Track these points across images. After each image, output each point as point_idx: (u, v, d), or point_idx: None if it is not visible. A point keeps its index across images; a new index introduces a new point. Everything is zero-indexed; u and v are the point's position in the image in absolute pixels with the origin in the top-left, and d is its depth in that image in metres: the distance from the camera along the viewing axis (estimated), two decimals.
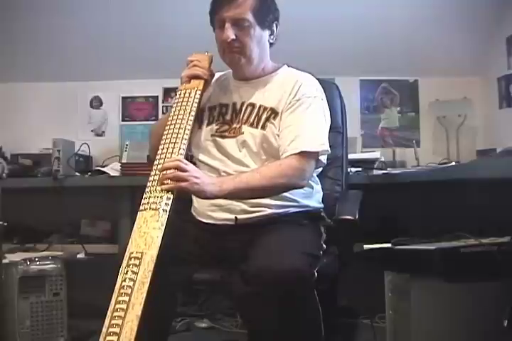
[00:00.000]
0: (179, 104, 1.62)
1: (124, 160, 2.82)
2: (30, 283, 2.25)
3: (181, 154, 1.48)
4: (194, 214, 1.75)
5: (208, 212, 1.68)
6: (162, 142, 1.52)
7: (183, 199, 1.63)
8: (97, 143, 3.12)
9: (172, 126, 1.55)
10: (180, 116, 1.57)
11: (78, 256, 2.68)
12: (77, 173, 2.82)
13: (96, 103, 3.23)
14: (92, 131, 3.22)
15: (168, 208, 1.35)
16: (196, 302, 2.82)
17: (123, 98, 3.22)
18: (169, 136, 1.52)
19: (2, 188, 2.11)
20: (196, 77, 1.69)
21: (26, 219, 2.79)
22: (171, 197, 1.37)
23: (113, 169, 2.78)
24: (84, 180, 2.79)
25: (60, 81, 3.14)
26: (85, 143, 3.00)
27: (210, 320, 2.72)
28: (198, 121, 1.75)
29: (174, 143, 1.50)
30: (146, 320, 1.14)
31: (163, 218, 1.32)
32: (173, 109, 1.61)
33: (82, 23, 2.97)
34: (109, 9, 2.93)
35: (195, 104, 1.62)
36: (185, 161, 1.46)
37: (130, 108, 3.22)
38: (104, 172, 2.77)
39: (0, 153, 2.93)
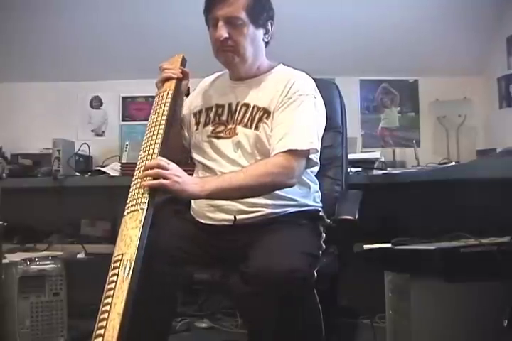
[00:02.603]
0: (154, 109, 1.63)
1: (124, 160, 2.82)
2: (30, 283, 2.25)
3: (155, 153, 1.47)
4: (192, 214, 1.75)
5: (206, 212, 1.68)
6: (142, 148, 1.52)
7: (183, 199, 1.63)
8: (97, 143, 3.13)
9: (148, 131, 1.56)
10: (154, 119, 1.58)
11: (78, 256, 2.68)
12: (77, 173, 2.82)
13: (96, 103, 3.23)
14: (92, 131, 3.22)
15: (145, 206, 1.34)
16: (196, 302, 2.82)
17: (123, 98, 3.22)
18: (146, 140, 1.53)
19: (2, 188, 2.11)
20: (167, 79, 1.69)
21: (26, 219, 2.80)
22: (148, 195, 1.37)
23: (113, 169, 2.78)
24: (84, 180, 2.79)
25: (60, 81, 3.14)
26: (85, 143, 3.00)
27: (210, 320, 2.72)
28: (196, 122, 1.76)
29: (149, 145, 1.50)
30: (146, 320, 1.15)
31: (141, 216, 1.31)
32: (151, 115, 1.62)
33: (83, 23, 2.97)
34: (110, 9, 2.93)
35: (168, 104, 1.62)
36: (167, 161, 1.46)
37: (130, 108, 3.22)
38: (104, 172, 2.77)
39: (0, 153, 2.93)
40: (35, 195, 2.86)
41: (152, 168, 1.41)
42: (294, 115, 1.63)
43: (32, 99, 3.17)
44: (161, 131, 1.53)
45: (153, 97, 3.06)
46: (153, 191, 1.38)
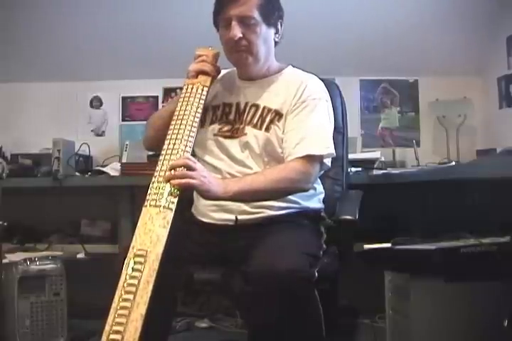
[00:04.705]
0: (186, 99, 1.60)
1: (124, 160, 2.82)
2: (30, 283, 2.25)
3: (187, 151, 1.47)
4: (194, 213, 1.75)
5: (208, 212, 1.68)
6: (168, 137, 1.50)
7: (184, 198, 1.63)
8: (97, 143, 3.12)
9: (178, 122, 1.53)
10: (186, 112, 1.55)
11: (78, 256, 2.68)
12: (77, 173, 2.82)
13: (96, 103, 3.23)
14: (92, 131, 3.22)
15: (173, 207, 1.34)
16: (196, 302, 2.82)
17: (123, 98, 3.22)
18: (175, 131, 1.50)
19: (2, 188, 2.11)
20: (204, 72, 1.67)
21: (26, 219, 2.79)
22: (177, 195, 1.36)
23: (113, 169, 2.78)
24: (84, 180, 2.79)
25: (60, 81, 3.14)
26: (85, 143, 3.00)
27: (210, 320, 2.72)
28: (202, 120, 1.74)
29: (181, 139, 1.48)
30: (146, 320, 1.14)
31: (169, 216, 1.31)
32: (179, 104, 1.59)
33: (83, 23, 2.97)
34: (109, 9, 2.93)
35: (202, 101, 1.60)
36: (194, 159, 1.45)
37: (130, 108, 3.22)
38: (104, 172, 2.77)
39: (0, 153, 2.93)
40: (35, 195, 2.86)
41: (179, 167, 1.40)
42: (309, 119, 1.63)
43: (32, 99, 3.17)
44: (194, 129, 1.52)
45: (153, 97, 3.21)
46: (181, 190, 1.37)
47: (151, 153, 2.46)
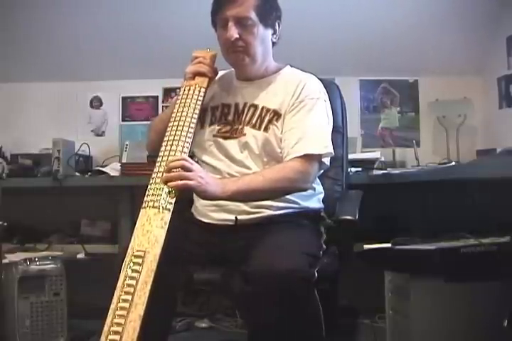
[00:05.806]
0: (183, 101, 1.61)
1: (124, 160, 2.82)
2: (30, 283, 2.25)
3: (185, 152, 1.47)
4: (194, 213, 1.75)
5: (208, 212, 1.68)
6: (165, 139, 1.50)
7: (183, 198, 1.63)
8: (97, 143, 3.12)
9: (176, 124, 1.54)
10: (184, 113, 1.56)
11: (78, 256, 2.68)
12: (77, 173, 2.82)
13: (96, 103, 3.23)
14: (92, 131, 3.22)
15: (171, 207, 1.34)
16: (196, 302, 2.82)
17: (123, 98, 3.22)
18: (172, 133, 1.51)
19: (2, 188, 2.11)
20: (201, 74, 1.68)
21: (26, 219, 2.79)
22: (175, 196, 1.37)
23: (113, 169, 2.78)
24: (84, 180, 2.79)
25: (60, 81, 3.14)
26: (85, 143, 3.00)
27: (210, 320, 2.72)
28: (200, 121, 1.74)
29: (178, 140, 1.48)
30: (145, 320, 1.15)
31: (167, 217, 1.32)
32: (177, 106, 1.60)
33: (83, 23, 2.97)
34: (109, 9, 2.93)
35: (199, 102, 1.61)
36: (191, 161, 1.45)
37: (130, 108, 3.22)
38: (104, 172, 2.77)
39: (0, 153, 2.93)
40: (35, 195, 2.86)
41: (176, 168, 1.40)
42: (307, 119, 1.63)
43: (32, 99, 3.17)
44: (191, 130, 1.53)
45: (153, 97, 3.21)
46: (179, 191, 1.38)
47: None
